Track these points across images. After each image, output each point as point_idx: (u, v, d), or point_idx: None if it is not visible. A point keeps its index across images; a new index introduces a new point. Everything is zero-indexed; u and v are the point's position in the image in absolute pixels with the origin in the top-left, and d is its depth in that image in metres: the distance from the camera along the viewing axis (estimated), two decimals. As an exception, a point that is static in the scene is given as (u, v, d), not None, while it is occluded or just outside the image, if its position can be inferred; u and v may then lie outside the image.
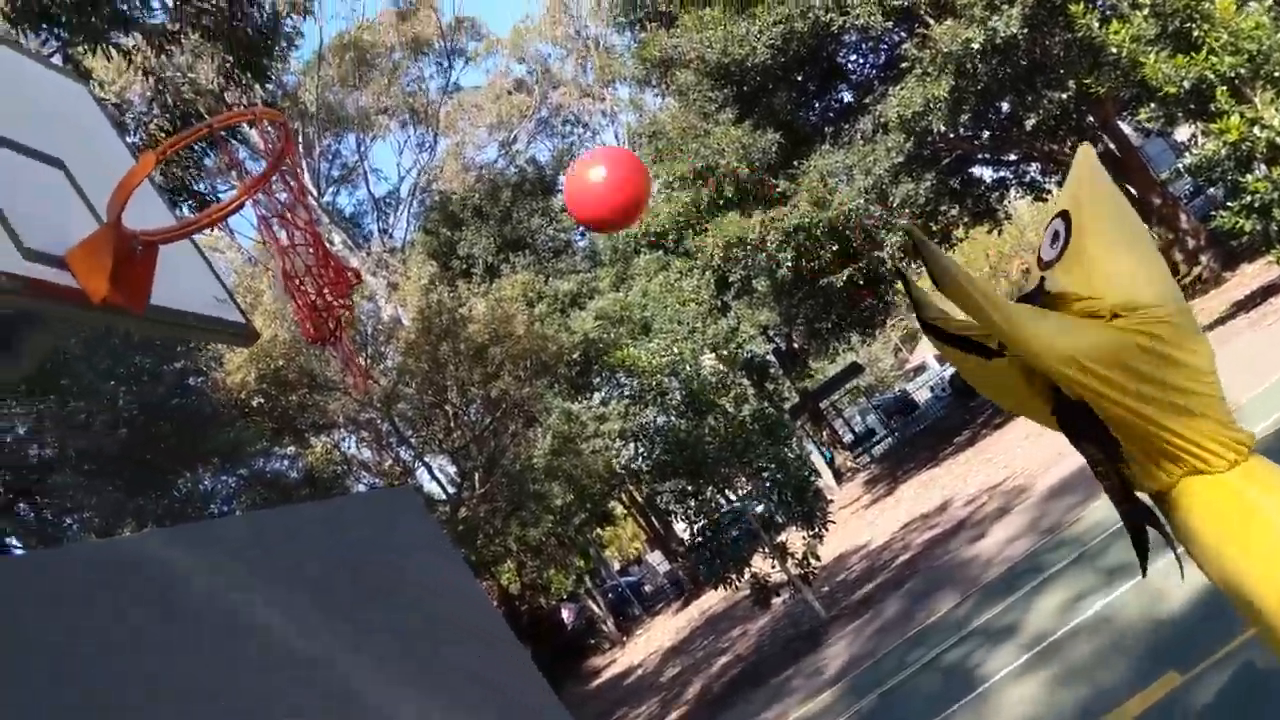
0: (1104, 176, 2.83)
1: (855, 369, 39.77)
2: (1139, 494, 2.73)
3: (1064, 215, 2.70)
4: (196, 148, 10.97)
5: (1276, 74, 12.05)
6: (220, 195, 13.25)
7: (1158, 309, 2.45)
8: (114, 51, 10.12)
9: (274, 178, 2.52)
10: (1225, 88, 12.08)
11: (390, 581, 2.93)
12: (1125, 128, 21.28)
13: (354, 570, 2.79)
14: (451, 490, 21.44)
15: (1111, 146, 20.62)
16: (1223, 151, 12.32)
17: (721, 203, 21.60)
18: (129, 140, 11.51)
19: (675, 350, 14.99)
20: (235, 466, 16.71)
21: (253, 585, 2.37)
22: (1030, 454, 15.07)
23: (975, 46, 15.95)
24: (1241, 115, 11.98)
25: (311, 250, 2.65)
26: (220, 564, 2.33)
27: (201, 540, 2.44)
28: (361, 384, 16.47)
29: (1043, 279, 2.68)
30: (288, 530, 2.75)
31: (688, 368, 14.64)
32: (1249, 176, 12.26)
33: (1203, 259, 19.47)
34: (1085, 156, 2.86)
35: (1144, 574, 2.88)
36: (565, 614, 32.02)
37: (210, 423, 14.78)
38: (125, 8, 10.24)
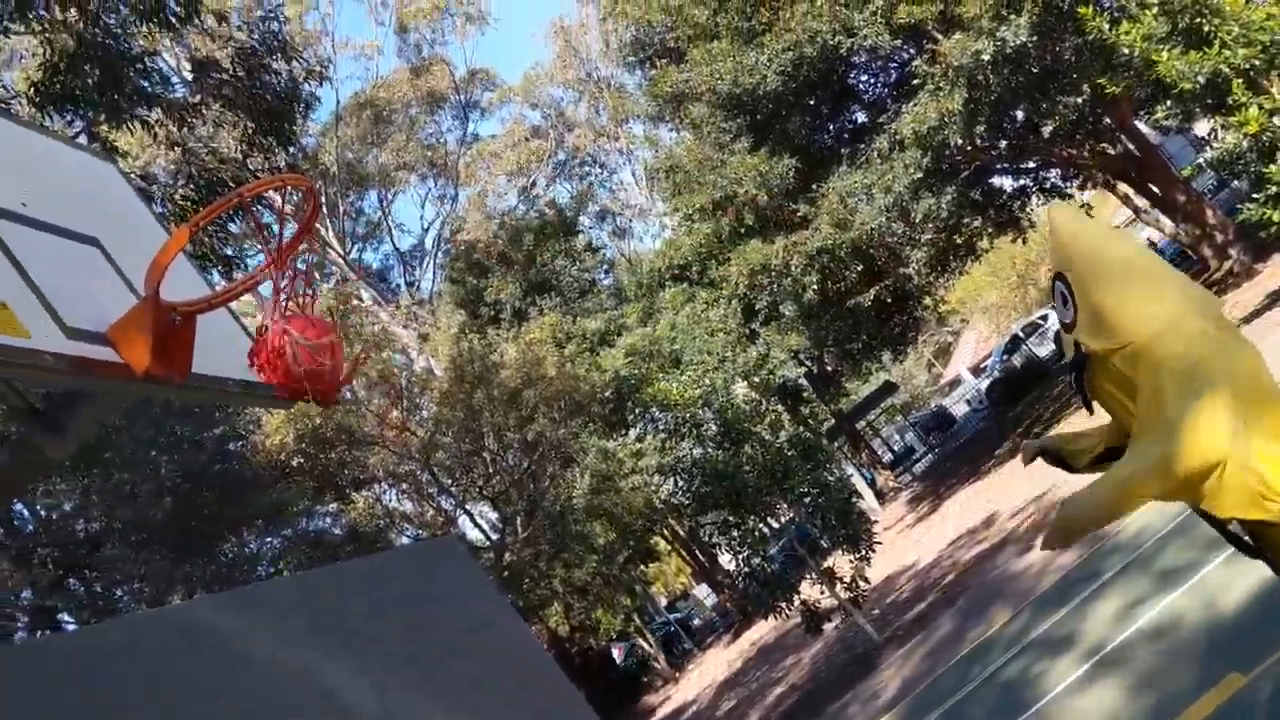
0: (1081, 226, 2.92)
1: (890, 387, 39.56)
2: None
3: (1060, 277, 2.78)
4: (223, 215, 11.16)
5: (1292, 63, 11.96)
6: (246, 259, 13.43)
7: (1187, 322, 2.49)
8: (137, 126, 10.33)
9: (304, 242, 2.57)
10: (1240, 80, 11.99)
11: (440, 631, 2.95)
12: (1143, 127, 21.15)
13: (403, 623, 2.81)
14: (494, 536, 21.45)
15: (1130, 147, 20.50)
16: (1244, 144, 12.23)
17: (743, 231, 21.65)
18: (156, 211, 11.74)
19: (707, 381, 14.99)
20: (279, 527, 16.85)
21: (305, 645, 2.39)
22: (1073, 461, 14.89)
23: (985, 58, 15.94)
24: (1260, 107, 11.88)
25: (302, 306, 2.68)
26: (272, 626, 2.35)
27: (251, 603, 2.46)
28: (387, 434, 16.52)
29: (1077, 343, 2.74)
30: (335, 588, 2.77)
31: (721, 398, 14.63)
32: (1272, 167, 12.15)
33: (1232, 253, 19.26)
34: (1056, 214, 2.95)
35: None
36: (615, 653, 31.85)
37: (252, 486, 14.92)
38: (146, 85, 10.46)
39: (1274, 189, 12.05)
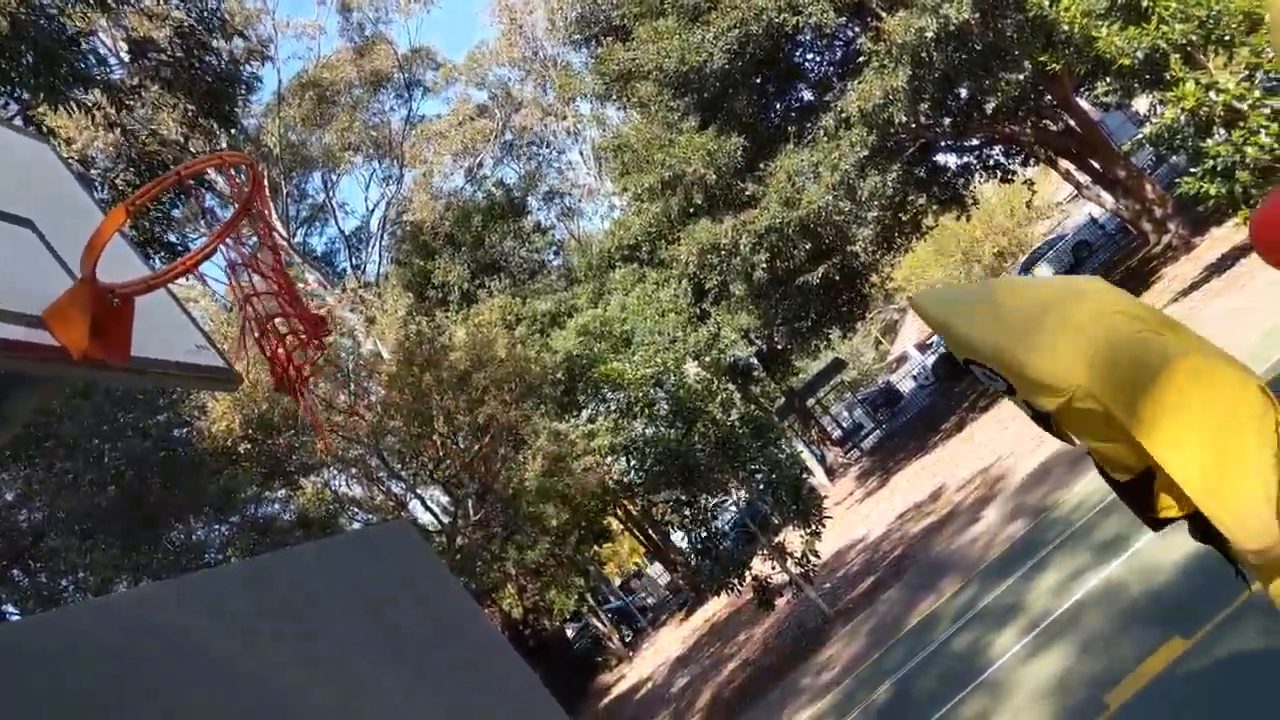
0: (951, 306, 2.87)
1: (838, 364, 39.91)
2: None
3: (969, 363, 2.71)
4: (165, 200, 10.95)
5: (1227, 38, 12.17)
6: (190, 245, 13.21)
7: (1110, 335, 2.44)
8: (75, 109, 10.10)
9: (243, 223, 2.52)
10: (1178, 55, 12.19)
11: (392, 617, 2.92)
12: (1084, 103, 21.43)
13: (354, 609, 2.78)
14: (446, 520, 21.35)
15: (1072, 123, 20.78)
16: (1181, 119, 12.43)
17: (692, 210, 21.66)
18: (96, 196, 11.49)
19: (658, 361, 15.02)
20: (227, 514, 16.62)
21: (254, 632, 2.36)
22: (1016, 436, 15.14)
23: (929, 35, 16.06)
24: (1197, 81, 12.09)
25: (280, 296, 2.64)
26: (220, 614, 2.31)
27: (199, 591, 2.42)
28: (324, 437, 16.43)
29: (1027, 403, 2.66)
30: (284, 574, 2.74)
31: (672, 377, 14.65)
32: (1209, 141, 12.37)
33: (1171, 227, 19.62)
34: (919, 305, 2.88)
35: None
36: (569, 633, 31.94)
37: (199, 472, 14.71)
38: (83, 65, 10.22)
39: (1211, 163, 12.27)
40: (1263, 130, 11.89)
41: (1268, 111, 11.95)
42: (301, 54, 76.31)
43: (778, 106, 22.53)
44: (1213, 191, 12.54)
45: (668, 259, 23.65)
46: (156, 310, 2.71)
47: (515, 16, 36.98)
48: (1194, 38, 12.18)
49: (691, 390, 14.32)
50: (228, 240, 2.51)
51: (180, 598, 2.32)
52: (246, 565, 4.14)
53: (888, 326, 63.23)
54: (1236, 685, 5.21)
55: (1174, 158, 22.01)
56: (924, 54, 16.47)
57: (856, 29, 19.34)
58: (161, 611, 2.21)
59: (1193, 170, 12.78)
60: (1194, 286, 15.13)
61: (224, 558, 16.02)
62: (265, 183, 28.76)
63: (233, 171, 2.66)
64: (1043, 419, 2.61)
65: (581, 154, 38.53)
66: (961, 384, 28.39)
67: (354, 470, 20.10)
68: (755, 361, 31.37)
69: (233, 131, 14.03)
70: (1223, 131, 12.24)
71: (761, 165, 20.06)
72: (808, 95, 22.50)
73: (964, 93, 19.57)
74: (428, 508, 22.98)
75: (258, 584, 2.61)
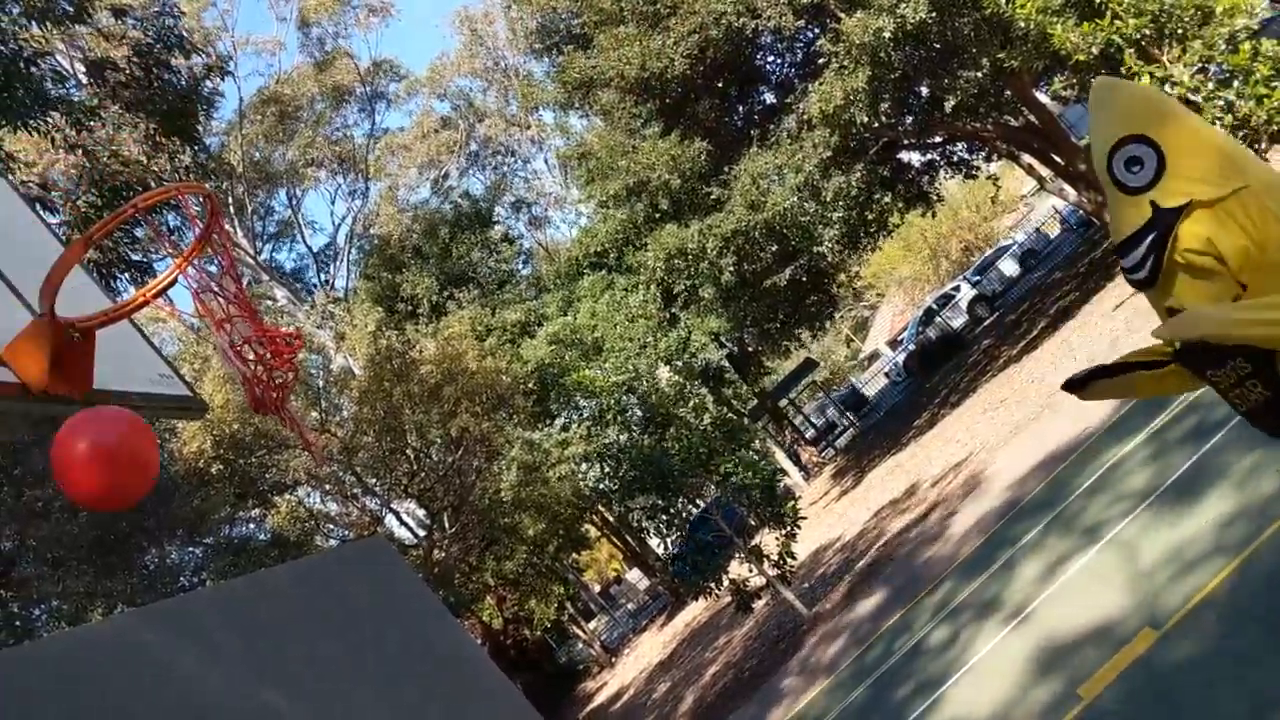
0: (1134, 91, 2.87)
1: (810, 364, 40.01)
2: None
3: (1141, 138, 2.60)
4: (127, 221, 10.86)
5: (1180, 32, 12.35)
6: (155, 264, 13.11)
7: (1261, 178, 2.48)
8: (34, 132, 10.01)
9: (206, 249, 2.52)
10: (1133, 50, 12.35)
11: (371, 634, 2.92)
12: (1043, 98, 21.63)
13: (331, 628, 2.78)
14: (422, 533, 21.28)
15: (1032, 118, 20.97)
16: (1138, 112, 12.59)
17: (658, 216, 21.70)
18: (58, 219, 11.39)
19: (630, 367, 15.04)
20: (201, 536, 16.51)
21: (232, 657, 2.36)
22: (989, 429, 15.27)
23: (887, 35, 16.16)
24: (1151, 75, 12.26)
25: (248, 321, 2.64)
26: (197, 639, 2.31)
27: (175, 617, 2.42)
28: (318, 452, 16.36)
29: (1154, 204, 2.57)
30: (261, 596, 2.73)
31: (644, 383, 14.69)
32: (1165, 134, 12.53)
33: (1133, 218, 19.82)
34: (1103, 86, 2.83)
35: None
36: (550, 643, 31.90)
37: (171, 495, 14.59)
38: (42, 86, 10.13)
39: (1167, 156, 12.41)
40: (1218, 122, 12.06)
41: (1222, 103, 12.14)
42: (262, 70, 76.01)
43: (740, 110, 22.61)
44: (1170, 184, 12.68)
45: (636, 265, 23.68)
46: (118, 340, 2.70)
47: (476, 28, 36.96)
48: (1147, 32, 12.35)
49: (664, 395, 14.36)
50: (192, 267, 2.51)
51: (155, 624, 2.31)
52: (221, 589, 4.12)
53: (858, 325, 63.57)
54: (1206, 675, 5.29)
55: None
56: (882, 54, 16.58)
57: (816, 31, 19.44)
58: (136, 639, 2.20)
59: (1150, 163, 12.92)
60: (1156, 276, 15.32)
61: (199, 581, 15.90)
62: (223, 210, 28.58)
63: (190, 200, 2.65)
64: (1164, 224, 2.54)
65: (547, 163, 38.54)
66: (933, 378, 28.59)
67: (328, 487, 20.00)
68: (727, 364, 31.44)
69: (195, 149, 13.92)
70: (1179, 123, 12.39)
71: (726, 169, 20.13)
72: (770, 98, 22.59)
73: (924, 91, 19.71)
74: (403, 522, 22.90)
75: (233, 608, 2.60)
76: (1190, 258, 2.53)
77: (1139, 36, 12.45)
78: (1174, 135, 2.59)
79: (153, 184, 11.32)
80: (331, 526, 21.13)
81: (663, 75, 19.07)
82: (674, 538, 13.77)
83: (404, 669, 2.94)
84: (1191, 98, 12.18)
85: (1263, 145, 13.24)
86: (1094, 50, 12.83)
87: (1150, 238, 2.58)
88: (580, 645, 32.23)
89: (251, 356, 2.66)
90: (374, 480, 20.03)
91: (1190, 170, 2.54)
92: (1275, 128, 11.84)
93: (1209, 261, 2.51)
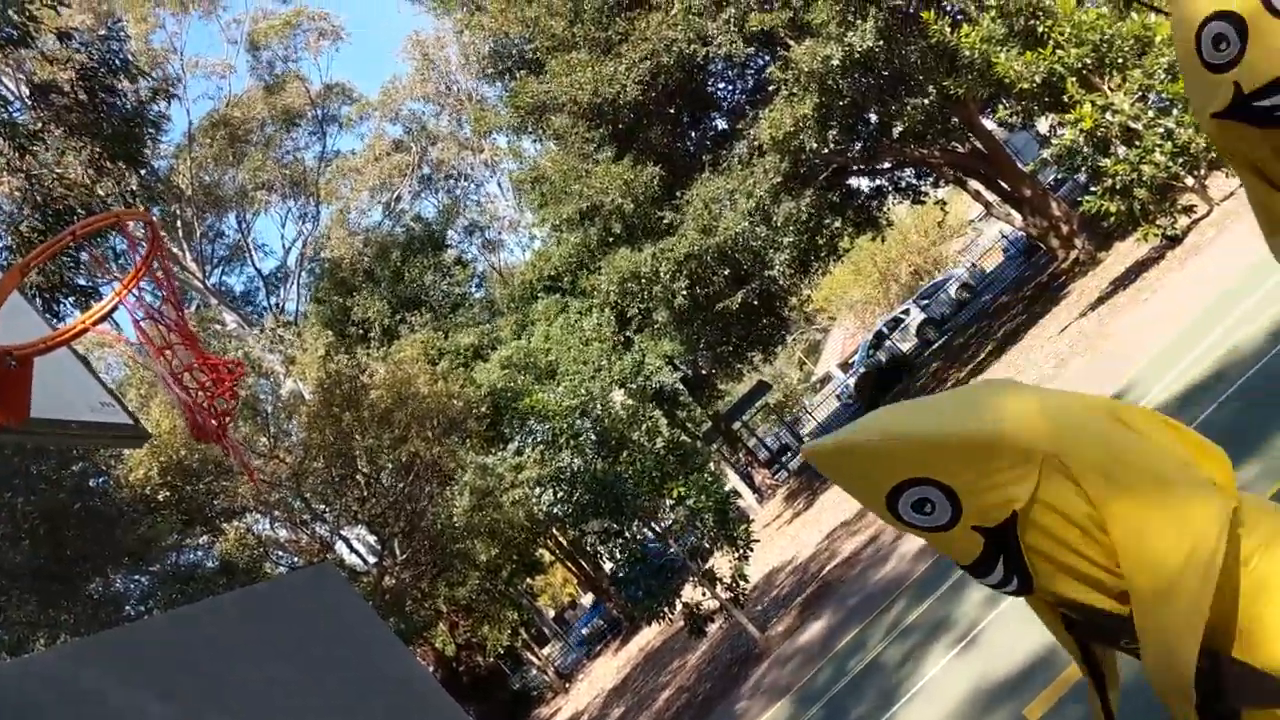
0: (853, 429, 2.19)
1: (763, 387, 40.26)
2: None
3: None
4: (71, 245, 10.70)
5: (1120, 61, 12.68)
6: (102, 288, 12.92)
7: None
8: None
9: (149, 275, 2.51)
10: (1074, 79, 12.67)
11: (318, 662, 2.91)
12: (989, 124, 22.05)
13: (278, 656, 2.76)
14: (373, 560, 21.07)
15: (978, 145, 21.36)
16: (1080, 139, 12.90)
17: (611, 240, 21.78)
18: (1, 243, 11.19)
19: (584, 390, 15.03)
20: (148, 564, 16.24)
21: (178, 687, 2.34)
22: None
23: (835, 63, 16.41)
24: (1093, 104, 12.57)
25: (188, 348, 2.63)
26: (143, 668, 2.29)
27: (120, 646, 2.39)
28: (257, 480, 16.18)
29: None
30: (208, 625, 2.71)
31: (598, 406, 14.68)
32: (1107, 160, 12.84)
33: (1077, 243, 20.21)
34: (813, 453, 2.17)
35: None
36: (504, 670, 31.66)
37: (117, 522, 14.36)
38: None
39: (1110, 181, 12.72)
40: (1157, 149, 12.38)
41: (1161, 131, 12.46)
42: (212, 93, 75.10)
43: (693, 135, 22.81)
44: (1113, 209, 13.00)
45: (589, 288, 23.74)
46: (57, 367, 2.68)
47: (428, 52, 36.93)
48: (1089, 61, 12.66)
49: (617, 419, 14.37)
50: (134, 293, 2.50)
51: (100, 655, 2.29)
52: (166, 618, 4.07)
53: (810, 347, 64.05)
54: (1147, 698, 5.37)
55: (1079, 175, 22.77)
56: (831, 81, 16.83)
57: (766, 58, 19.70)
58: (80, 670, 2.18)
59: (1093, 189, 13.24)
60: (1101, 300, 15.60)
61: (145, 610, 15.63)
62: (166, 236, 28.31)
63: (132, 227, 2.64)
64: (997, 545, 2.08)
65: (500, 186, 38.56)
66: (884, 401, 28.81)
67: (277, 513, 19.76)
68: (681, 387, 31.53)
69: (143, 173, 13.75)
70: (1121, 150, 12.71)
71: (678, 193, 20.27)
72: (721, 124, 22.82)
73: (873, 118, 20.02)
74: (353, 549, 22.66)
75: (180, 637, 2.58)
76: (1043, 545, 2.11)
77: (1080, 66, 12.77)
78: (956, 467, 2.03)
79: (98, 208, 11.18)
80: (281, 553, 20.85)
81: (615, 100, 19.20)
82: (621, 560, 13.74)
83: (354, 698, 2.92)
84: (1133, 125, 12.49)
85: (1202, 172, 13.61)
86: (1037, 79, 13.14)
87: (1000, 558, 2.13)
88: (534, 671, 32.00)
89: (192, 384, 2.65)
90: (324, 506, 19.82)
91: (976, 480, 2.02)
92: (1214, 154, 12.18)
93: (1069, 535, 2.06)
